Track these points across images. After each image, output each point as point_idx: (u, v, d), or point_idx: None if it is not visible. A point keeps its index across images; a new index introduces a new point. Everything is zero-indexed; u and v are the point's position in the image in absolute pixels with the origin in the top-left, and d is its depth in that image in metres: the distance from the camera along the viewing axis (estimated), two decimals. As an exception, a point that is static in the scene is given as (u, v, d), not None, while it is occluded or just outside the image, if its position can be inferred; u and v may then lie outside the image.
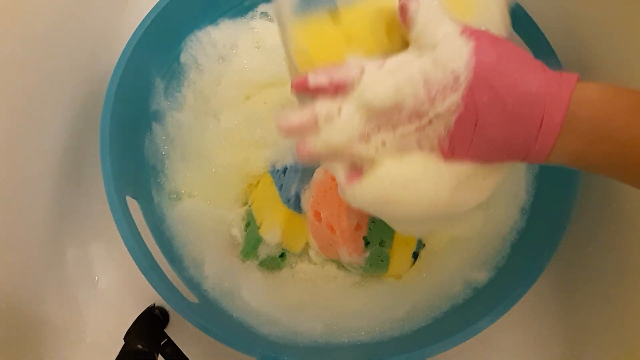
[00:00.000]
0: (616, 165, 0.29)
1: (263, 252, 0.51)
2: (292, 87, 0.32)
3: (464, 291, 0.47)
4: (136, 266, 0.41)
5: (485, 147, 0.30)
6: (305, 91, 0.31)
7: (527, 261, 0.45)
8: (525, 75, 0.29)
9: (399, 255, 0.52)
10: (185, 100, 0.55)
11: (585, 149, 0.29)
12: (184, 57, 0.55)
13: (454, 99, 0.29)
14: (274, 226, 0.51)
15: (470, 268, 0.48)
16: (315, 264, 0.53)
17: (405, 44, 0.32)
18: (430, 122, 0.30)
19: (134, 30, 0.48)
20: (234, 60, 0.56)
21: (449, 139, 0.30)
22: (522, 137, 0.29)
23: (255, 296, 0.47)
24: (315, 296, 0.49)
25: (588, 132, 0.28)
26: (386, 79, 0.30)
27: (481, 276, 0.47)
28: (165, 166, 0.52)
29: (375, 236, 0.51)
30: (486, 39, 0.30)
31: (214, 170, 0.53)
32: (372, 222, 0.51)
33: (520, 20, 0.50)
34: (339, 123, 0.30)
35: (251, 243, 0.51)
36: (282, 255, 0.52)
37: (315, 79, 0.31)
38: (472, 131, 0.29)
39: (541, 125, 0.28)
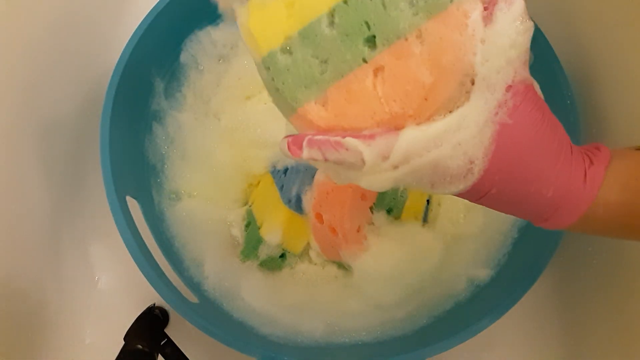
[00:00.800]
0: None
1: (263, 252, 0.51)
2: (287, 146, 0.27)
3: (467, 289, 0.47)
4: (136, 266, 0.41)
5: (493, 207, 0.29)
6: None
7: (528, 258, 0.45)
8: (545, 173, 0.26)
9: None
10: (185, 100, 0.55)
11: (592, 232, 0.29)
12: (184, 57, 0.54)
13: (459, 188, 0.26)
14: (275, 227, 0.51)
15: (473, 265, 0.48)
16: (315, 264, 0.53)
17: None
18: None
19: (133, 30, 0.48)
20: (234, 60, 0.56)
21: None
22: (528, 217, 0.29)
23: (256, 296, 0.47)
24: (316, 296, 0.49)
25: (598, 229, 0.28)
26: (387, 176, 0.26)
27: (483, 273, 0.47)
28: (165, 166, 0.52)
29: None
30: (523, 109, 0.25)
31: (214, 170, 0.53)
32: (373, 224, 0.51)
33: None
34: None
35: (251, 243, 0.51)
36: (282, 256, 0.52)
37: (310, 153, 0.27)
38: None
39: (547, 219, 0.28)
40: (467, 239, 0.50)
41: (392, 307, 0.47)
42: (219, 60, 0.56)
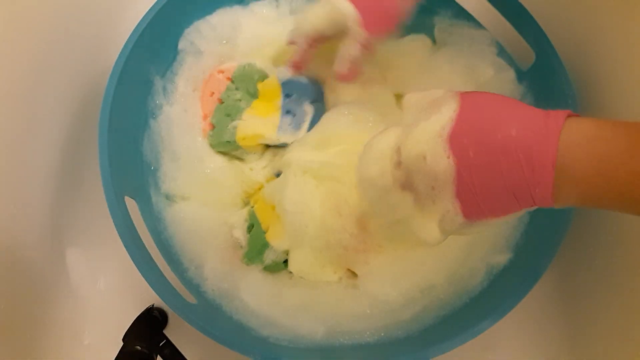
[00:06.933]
0: (626, 204, 0.28)
1: (269, 257, 0.49)
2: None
3: (483, 282, 0.46)
4: (135, 267, 0.41)
5: (490, 198, 0.30)
6: None
7: (544, 237, 0.45)
8: (502, 122, 0.29)
9: None
10: (182, 97, 0.54)
11: (589, 190, 0.28)
12: (181, 56, 0.54)
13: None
14: (284, 233, 0.49)
15: (492, 252, 0.47)
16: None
17: None
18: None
19: (132, 29, 0.48)
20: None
21: (458, 200, 0.31)
22: (519, 182, 0.29)
23: (256, 297, 0.46)
24: (316, 298, 0.48)
25: (586, 172, 0.28)
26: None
27: (503, 258, 0.46)
28: (162, 165, 0.52)
29: None
30: (468, 98, 0.31)
31: (207, 173, 0.52)
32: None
33: (522, 20, 0.50)
34: None
35: (257, 248, 0.49)
36: (286, 260, 0.50)
37: None
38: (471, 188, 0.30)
39: (534, 166, 0.28)
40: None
41: (399, 307, 0.46)
42: (218, 58, 0.56)
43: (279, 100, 0.54)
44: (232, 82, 0.55)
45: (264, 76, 0.56)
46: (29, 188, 0.50)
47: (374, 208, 0.41)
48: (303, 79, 0.54)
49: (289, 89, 0.54)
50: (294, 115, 0.53)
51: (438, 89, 0.35)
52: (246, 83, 0.55)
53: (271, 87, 0.55)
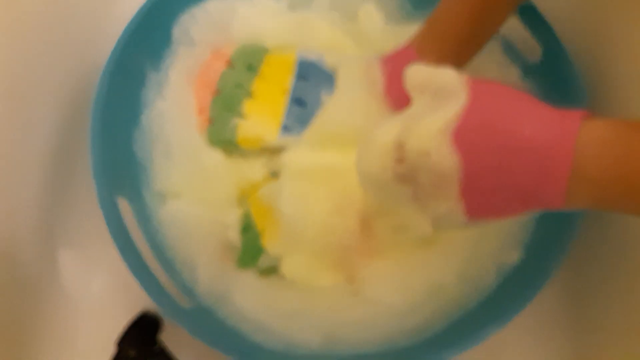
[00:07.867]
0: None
1: (264, 263, 0.48)
2: None
3: (495, 281, 0.45)
4: (129, 270, 0.40)
5: (497, 199, 0.29)
6: None
7: (553, 235, 0.44)
8: (515, 120, 0.28)
9: None
10: (176, 91, 0.53)
11: (603, 193, 0.27)
12: (175, 47, 0.53)
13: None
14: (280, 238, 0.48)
15: (501, 250, 0.46)
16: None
17: None
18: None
19: (125, 26, 0.48)
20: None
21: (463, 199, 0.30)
22: (530, 184, 0.28)
23: (249, 302, 0.45)
24: (313, 303, 0.46)
25: (602, 175, 0.27)
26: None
27: (514, 257, 0.46)
28: (155, 162, 0.50)
29: None
30: (478, 91, 0.30)
31: (202, 167, 0.50)
32: None
33: (528, 13, 0.49)
34: None
35: (251, 253, 0.48)
36: None
37: None
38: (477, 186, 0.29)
39: (547, 169, 0.27)
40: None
41: (404, 313, 0.45)
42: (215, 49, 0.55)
43: (288, 79, 0.51)
44: (231, 64, 0.52)
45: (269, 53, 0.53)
46: (19, 189, 0.49)
47: (375, 200, 0.41)
48: (326, 69, 0.50)
49: (304, 71, 0.50)
50: (305, 106, 0.50)
51: (446, 68, 0.33)
52: (248, 58, 0.52)
53: (282, 63, 0.51)
